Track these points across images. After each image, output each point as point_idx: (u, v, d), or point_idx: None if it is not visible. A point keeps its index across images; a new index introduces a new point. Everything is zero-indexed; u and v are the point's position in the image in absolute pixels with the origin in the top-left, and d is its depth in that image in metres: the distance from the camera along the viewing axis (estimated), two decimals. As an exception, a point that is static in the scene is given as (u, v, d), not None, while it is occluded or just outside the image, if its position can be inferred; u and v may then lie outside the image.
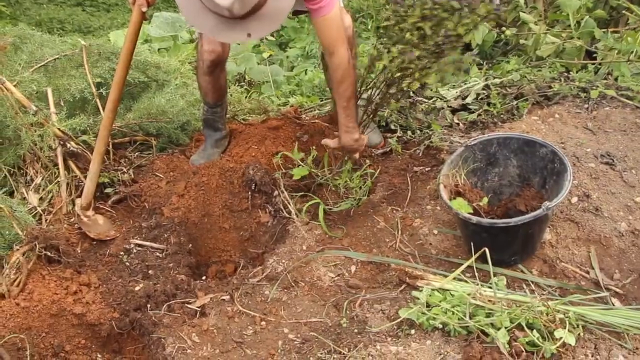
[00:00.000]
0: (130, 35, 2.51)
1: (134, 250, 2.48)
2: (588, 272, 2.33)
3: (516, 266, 2.31)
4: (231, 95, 3.92)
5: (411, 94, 3.56)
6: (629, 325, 1.89)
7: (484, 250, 2.06)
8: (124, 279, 2.32)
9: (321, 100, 3.88)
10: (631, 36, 3.53)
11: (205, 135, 3.12)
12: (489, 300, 1.87)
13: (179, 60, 4.08)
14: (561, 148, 2.77)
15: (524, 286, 2.21)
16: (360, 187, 2.79)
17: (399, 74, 2.41)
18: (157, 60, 3.60)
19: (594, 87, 3.20)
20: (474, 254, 2.30)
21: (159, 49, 4.74)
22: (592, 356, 1.88)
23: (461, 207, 2.13)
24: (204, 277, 2.54)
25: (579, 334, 1.88)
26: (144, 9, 2.42)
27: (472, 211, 2.16)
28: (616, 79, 3.46)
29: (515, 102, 3.24)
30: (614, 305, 2.14)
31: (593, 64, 3.53)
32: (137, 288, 2.25)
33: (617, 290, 2.26)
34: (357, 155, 2.77)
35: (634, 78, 3.49)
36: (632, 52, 3.41)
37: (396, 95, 2.56)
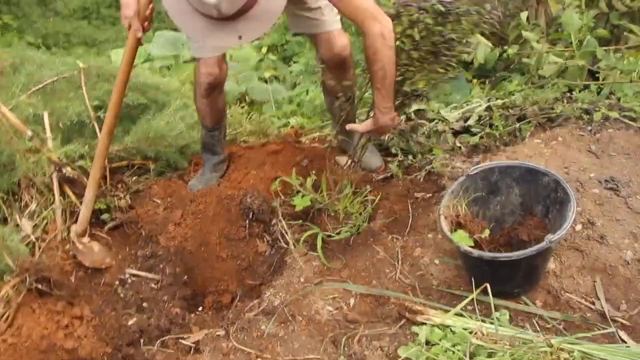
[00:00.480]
0: (126, 60, 2.47)
1: (129, 281, 2.44)
2: (594, 303, 2.26)
3: (519, 298, 2.25)
4: (231, 116, 3.89)
5: (412, 116, 3.52)
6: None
7: (486, 286, 2.01)
8: (117, 311, 2.27)
9: (322, 122, 3.84)
10: (633, 56, 3.49)
11: (204, 159, 3.08)
12: (491, 339, 1.81)
13: (179, 80, 4.05)
14: (564, 173, 2.72)
15: (527, 321, 2.16)
16: (360, 213, 2.74)
17: (399, 78, 2.40)
18: (157, 82, 3.58)
19: (597, 109, 3.14)
20: (475, 287, 2.24)
21: (160, 67, 4.73)
22: (598, 397, 1.82)
23: (462, 239, 2.07)
24: (200, 308, 2.48)
25: (583, 372, 1.82)
26: (139, 35, 2.38)
27: (473, 244, 2.10)
28: (619, 100, 3.41)
29: (518, 125, 3.18)
30: (621, 339, 2.09)
31: (596, 84, 3.48)
32: (130, 322, 2.20)
33: (624, 322, 2.19)
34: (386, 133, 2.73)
35: (637, 98, 3.43)
36: (635, 71, 3.35)
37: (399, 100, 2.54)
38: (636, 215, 2.51)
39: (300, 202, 2.65)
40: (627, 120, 3.07)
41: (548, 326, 2.13)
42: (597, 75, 3.54)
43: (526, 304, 2.23)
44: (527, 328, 2.12)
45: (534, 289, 2.28)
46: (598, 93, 3.44)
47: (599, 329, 2.10)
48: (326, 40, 2.70)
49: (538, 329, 2.06)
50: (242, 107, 3.96)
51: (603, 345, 1.89)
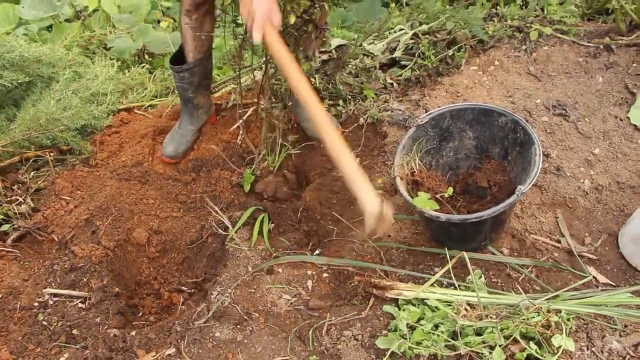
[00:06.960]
0: None
1: (50, 302, 2.07)
2: (559, 241, 2.16)
3: (486, 249, 2.10)
4: (132, 78, 3.44)
5: (334, 54, 3.22)
6: (622, 313, 1.72)
7: (453, 243, 1.84)
8: (43, 346, 1.90)
9: (235, 72, 3.46)
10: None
11: (182, 107, 2.66)
12: (476, 315, 1.64)
13: (64, 45, 3.50)
14: (510, 103, 2.56)
15: (500, 275, 2.02)
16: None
17: None
18: (37, 52, 3.03)
19: (529, 25, 2.96)
20: (440, 247, 2.08)
21: (39, 31, 4.09)
22: (588, 349, 1.71)
23: (425, 204, 1.86)
24: (140, 314, 2.18)
25: (570, 327, 1.71)
26: None
27: (437, 206, 1.89)
28: (542, 9, 3.25)
29: (449, 51, 2.96)
30: (595, 279, 2.00)
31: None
32: (62, 359, 1.85)
33: (591, 256, 2.11)
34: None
35: (563, 7, 3.28)
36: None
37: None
38: (587, 140, 2.40)
39: (248, 179, 2.36)
40: (559, 35, 2.90)
41: (521, 277, 2.01)
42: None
43: (494, 254, 2.08)
44: (501, 284, 1.98)
45: (499, 236, 2.14)
46: (525, 6, 3.25)
47: (572, 273, 2.01)
48: None
49: (519, 288, 1.91)
50: (143, 67, 3.50)
51: (586, 298, 1.77)
